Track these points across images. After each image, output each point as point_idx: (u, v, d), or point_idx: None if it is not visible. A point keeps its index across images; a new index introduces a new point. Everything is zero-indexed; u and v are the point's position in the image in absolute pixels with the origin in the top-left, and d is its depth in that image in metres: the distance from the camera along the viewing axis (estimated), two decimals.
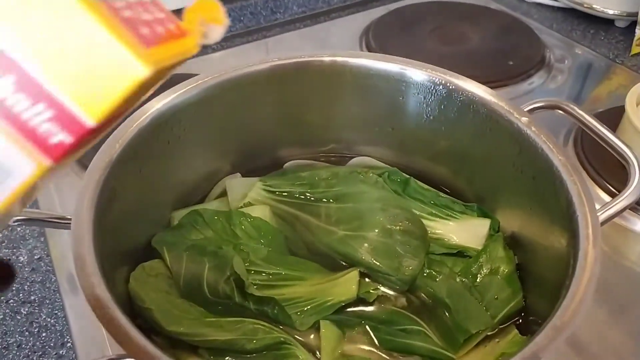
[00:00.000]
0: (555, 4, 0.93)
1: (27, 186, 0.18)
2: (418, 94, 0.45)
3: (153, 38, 0.18)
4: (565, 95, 0.78)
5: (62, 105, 0.17)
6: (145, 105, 0.39)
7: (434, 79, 0.43)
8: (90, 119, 0.18)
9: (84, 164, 0.60)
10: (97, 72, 0.17)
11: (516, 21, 0.87)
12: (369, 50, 0.80)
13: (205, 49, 0.86)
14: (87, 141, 0.19)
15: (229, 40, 0.86)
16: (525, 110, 0.42)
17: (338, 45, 0.85)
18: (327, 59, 0.44)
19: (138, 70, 0.17)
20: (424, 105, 0.46)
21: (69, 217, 0.34)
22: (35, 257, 0.53)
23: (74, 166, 0.61)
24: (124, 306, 0.36)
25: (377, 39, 0.81)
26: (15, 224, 0.34)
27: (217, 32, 0.19)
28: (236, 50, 0.85)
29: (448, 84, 0.43)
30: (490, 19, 0.87)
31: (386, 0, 0.95)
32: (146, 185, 0.41)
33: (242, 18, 0.89)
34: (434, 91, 0.44)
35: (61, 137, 0.18)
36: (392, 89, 0.45)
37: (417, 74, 0.44)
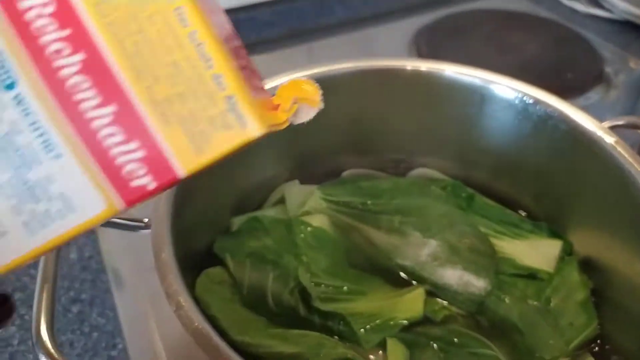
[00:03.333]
0: (612, 16, 0.90)
1: (85, 227, 0.17)
2: (491, 106, 0.43)
3: (260, 102, 0.17)
4: (617, 111, 0.75)
5: (158, 147, 0.16)
6: None
7: (510, 91, 0.42)
8: (182, 169, 0.16)
9: None
10: (205, 121, 0.16)
11: (571, 32, 0.85)
12: (421, 57, 0.79)
13: (251, 50, 0.86)
14: (159, 192, 0.17)
15: (274, 43, 0.86)
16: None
17: (387, 51, 0.84)
18: (409, 67, 0.43)
19: (253, 130, 0.16)
20: (496, 118, 0.44)
21: (142, 219, 0.34)
22: (86, 254, 0.53)
23: None
24: None
25: (429, 46, 0.79)
26: None
27: (309, 112, 0.18)
28: (281, 53, 0.84)
29: (525, 98, 0.41)
30: (544, 29, 0.85)
31: (434, 7, 0.94)
32: (212, 189, 0.41)
33: (288, 20, 0.88)
34: (508, 105, 0.42)
35: (145, 181, 0.16)
36: (465, 100, 0.44)
37: (494, 86, 0.42)
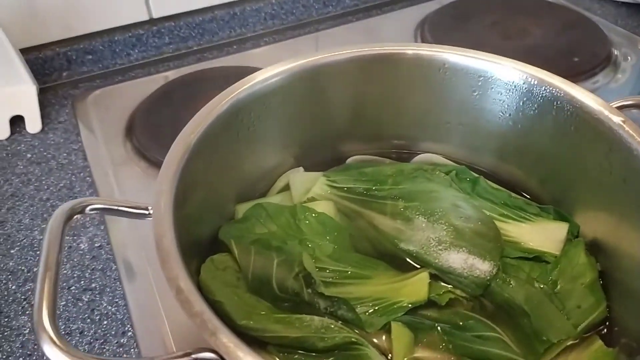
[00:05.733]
0: None
1: None
2: (495, 89, 0.43)
3: None
4: (626, 95, 0.74)
5: None
6: (219, 96, 0.39)
7: (514, 73, 0.41)
8: None
9: (142, 153, 0.61)
10: None
11: (579, 16, 0.84)
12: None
13: (257, 41, 0.86)
14: None
15: (280, 33, 0.86)
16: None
17: (392, 39, 0.83)
18: (410, 51, 0.42)
19: None
20: (500, 101, 0.44)
21: (147, 207, 0.34)
22: (96, 245, 0.53)
23: (131, 154, 0.61)
24: None
25: (433, 33, 0.79)
26: (92, 212, 0.34)
27: None
28: (286, 43, 0.84)
29: (530, 79, 0.41)
30: (551, 14, 0.84)
31: None
32: (215, 177, 0.41)
33: (294, 11, 0.88)
34: (513, 87, 0.42)
35: None
36: (467, 84, 0.43)
37: (498, 68, 0.41)
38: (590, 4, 0.90)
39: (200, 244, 0.41)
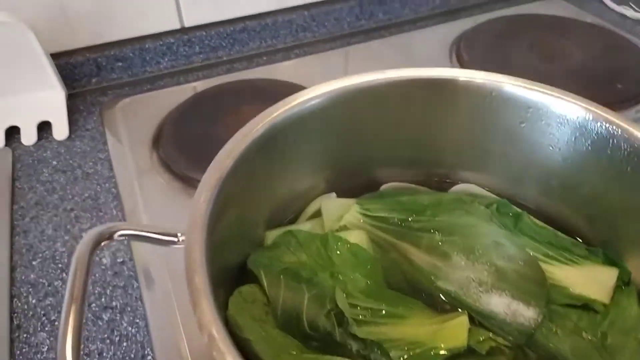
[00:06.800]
0: None
1: None
2: (545, 121, 0.41)
3: None
4: None
5: None
6: (256, 118, 0.37)
7: (567, 106, 0.39)
8: None
9: (167, 164, 0.59)
10: None
11: (620, 39, 0.81)
12: (461, 63, 0.76)
13: (287, 53, 0.84)
14: None
15: (310, 46, 0.84)
16: None
17: (424, 56, 0.81)
18: (462, 78, 0.40)
19: None
20: (550, 134, 0.41)
21: (176, 234, 0.32)
22: (118, 260, 0.52)
23: (156, 165, 0.60)
24: None
25: (469, 52, 0.76)
26: (121, 238, 0.33)
27: None
28: (317, 56, 0.82)
29: (585, 114, 0.38)
30: (591, 36, 0.81)
31: (475, 12, 0.91)
32: (246, 202, 0.39)
33: (326, 23, 0.86)
34: (565, 120, 0.40)
35: None
36: (515, 114, 0.41)
37: (549, 100, 0.39)
38: (633, 26, 0.86)
39: (228, 272, 0.39)
